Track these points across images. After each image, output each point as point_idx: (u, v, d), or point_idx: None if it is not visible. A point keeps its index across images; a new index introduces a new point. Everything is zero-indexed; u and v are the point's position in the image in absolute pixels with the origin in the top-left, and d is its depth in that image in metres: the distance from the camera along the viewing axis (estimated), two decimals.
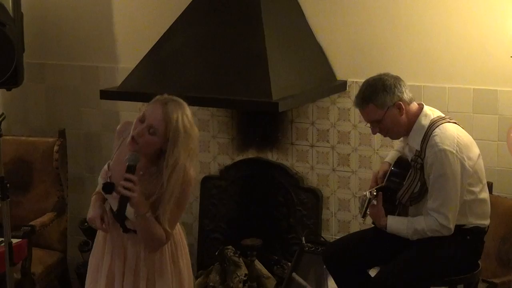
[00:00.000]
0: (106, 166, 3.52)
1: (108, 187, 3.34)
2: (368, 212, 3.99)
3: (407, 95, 3.91)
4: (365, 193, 4.00)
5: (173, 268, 3.56)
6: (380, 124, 3.92)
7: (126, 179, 3.24)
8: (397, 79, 3.92)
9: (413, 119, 3.92)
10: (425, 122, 3.90)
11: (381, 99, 3.87)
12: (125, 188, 3.23)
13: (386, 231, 3.95)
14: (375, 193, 3.96)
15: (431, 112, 3.95)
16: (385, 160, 4.25)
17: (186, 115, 3.37)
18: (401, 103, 3.88)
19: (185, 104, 3.40)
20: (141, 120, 3.32)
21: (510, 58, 4.41)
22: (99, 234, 3.65)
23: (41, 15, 5.62)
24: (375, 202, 3.96)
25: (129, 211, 3.32)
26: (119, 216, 3.33)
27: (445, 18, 4.62)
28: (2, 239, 4.12)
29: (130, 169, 3.27)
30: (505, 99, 4.53)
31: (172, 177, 3.31)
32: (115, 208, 3.40)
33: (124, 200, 3.25)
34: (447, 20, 4.62)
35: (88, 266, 3.73)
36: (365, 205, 3.96)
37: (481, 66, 4.57)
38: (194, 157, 3.40)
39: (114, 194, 3.32)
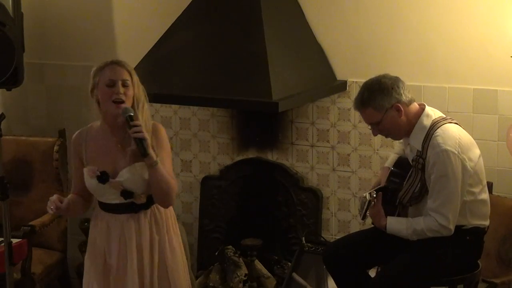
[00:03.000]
0: (85, 169, 3.68)
1: (103, 177, 3.62)
2: (368, 214, 3.99)
3: (406, 96, 3.90)
4: (364, 194, 4.00)
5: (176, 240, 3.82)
6: (379, 126, 3.92)
7: (134, 125, 3.52)
8: (396, 81, 3.92)
9: (413, 119, 3.92)
10: (426, 122, 3.90)
11: (378, 102, 3.87)
12: (137, 132, 3.52)
13: (386, 231, 3.95)
14: (374, 195, 3.96)
15: (432, 113, 3.95)
16: (385, 165, 4.25)
17: None
18: (399, 105, 3.87)
19: None
20: (110, 84, 3.61)
21: (510, 58, 4.41)
22: (98, 231, 3.75)
23: (41, 15, 5.62)
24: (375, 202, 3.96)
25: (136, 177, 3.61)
26: (144, 154, 3.53)
27: (445, 18, 4.62)
28: (2, 239, 4.12)
29: (131, 118, 3.55)
30: (505, 99, 4.53)
31: (144, 115, 3.65)
32: (116, 190, 3.63)
33: (140, 142, 3.52)
34: (447, 20, 4.62)
35: (85, 267, 3.81)
36: (365, 207, 3.96)
37: (481, 66, 4.57)
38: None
39: (110, 181, 3.61)
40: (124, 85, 3.61)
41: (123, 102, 3.59)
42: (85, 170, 3.67)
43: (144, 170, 3.62)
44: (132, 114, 3.56)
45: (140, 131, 3.52)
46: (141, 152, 3.53)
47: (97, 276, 3.74)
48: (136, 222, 3.69)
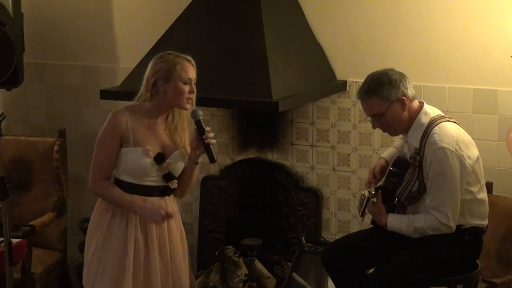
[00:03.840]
0: (141, 149, 3.75)
1: (160, 157, 3.76)
2: (367, 211, 3.99)
3: (411, 91, 3.91)
4: (363, 192, 4.00)
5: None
6: (381, 118, 3.91)
7: (207, 131, 3.72)
8: (402, 75, 3.92)
9: (414, 116, 3.92)
10: (424, 120, 3.90)
11: (385, 93, 3.86)
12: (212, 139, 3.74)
13: (387, 229, 3.95)
14: (373, 192, 3.96)
15: (431, 111, 3.95)
16: (381, 155, 4.24)
17: None
18: (404, 98, 3.88)
19: None
20: (187, 82, 3.75)
21: (510, 58, 4.41)
22: (131, 217, 3.79)
23: (41, 15, 5.62)
24: (375, 200, 3.96)
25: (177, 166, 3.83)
26: (213, 160, 3.77)
27: (445, 18, 4.63)
28: (2, 239, 4.12)
29: (201, 123, 3.73)
30: (505, 99, 4.53)
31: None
32: (161, 172, 3.79)
33: (210, 148, 3.73)
34: (447, 20, 4.62)
35: (103, 262, 3.78)
36: (364, 204, 3.96)
37: (481, 66, 4.57)
38: None
39: (164, 163, 3.77)
40: (194, 83, 3.80)
41: (192, 100, 3.80)
42: (138, 149, 3.74)
43: (185, 158, 3.84)
44: (201, 117, 3.74)
45: (214, 138, 3.76)
46: (210, 157, 3.75)
47: (126, 264, 3.76)
48: (165, 205, 3.84)
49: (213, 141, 3.74)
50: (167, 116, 3.86)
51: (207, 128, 3.74)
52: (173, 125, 3.85)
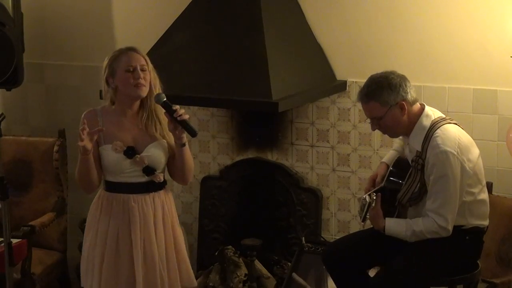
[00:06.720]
0: (107, 146, 3.75)
1: (130, 151, 3.74)
2: (368, 216, 3.99)
3: (411, 95, 3.90)
4: (364, 196, 3.99)
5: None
6: (380, 121, 3.91)
7: (176, 109, 3.67)
8: (403, 79, 3.91)
9: (414, 119, 3.92)
10: (426, 123, 3.90)
11: (384, 97, 3.86)
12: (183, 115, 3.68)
13: (385, 233, 3.95)
14: (374, 197, 3.95)
15: (432, 113, 3.95)
16: (382, 160, 4.24)
17: None
18: (404, 103, 3.87)
19: None
20: (130, 70, 3.73)
21: (510, 58, 4.41)
22: (114, 215, 3.78)
23: (41, 15, 5.62)
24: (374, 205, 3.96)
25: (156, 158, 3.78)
26: (194, 134, 3.68)
27: (445, 18, 4.63)
28: (2, 239, 4.12)
29: (167, 104, 3.69)
30: (505, 99, 4.53)
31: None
32: (138, 167, 3.75)
33: (187, 123, 3.68)
34: (447, 20, 4.62)
35: (92, 260, 3.79)
36: (365, 209, 3.96)
37: (481, 66, 4.57)
38: None
39: (136, 156, 3.73)
40: (142, 69, 3.75)
41: (143, 86, 3.74)
42: (108, 146, 3.74)
43: (165, 148, 3.78)
44: (165, 99, 3.70)
45: (185, 113, 3.68)
46: (189, 132, 3.69)
47: (111, 262, 3.77)
48: (152, 201, 3.81)
49: (186, 116, 3.68)
50: (139, 110, 3.84)
51: (175, 106, 3.69)
52: (145, 117, 3.81)
